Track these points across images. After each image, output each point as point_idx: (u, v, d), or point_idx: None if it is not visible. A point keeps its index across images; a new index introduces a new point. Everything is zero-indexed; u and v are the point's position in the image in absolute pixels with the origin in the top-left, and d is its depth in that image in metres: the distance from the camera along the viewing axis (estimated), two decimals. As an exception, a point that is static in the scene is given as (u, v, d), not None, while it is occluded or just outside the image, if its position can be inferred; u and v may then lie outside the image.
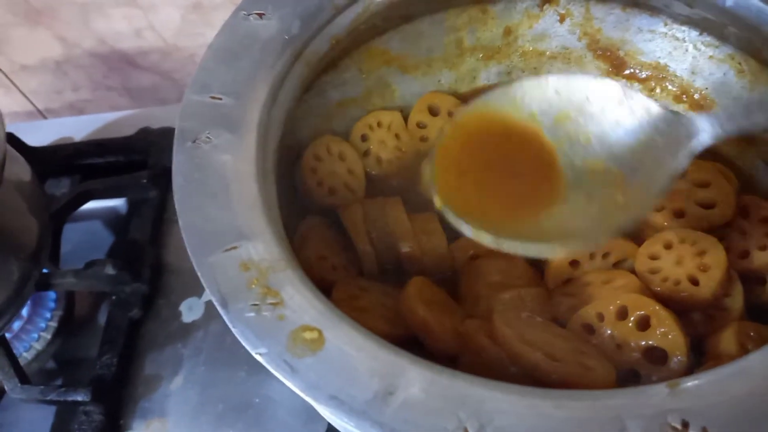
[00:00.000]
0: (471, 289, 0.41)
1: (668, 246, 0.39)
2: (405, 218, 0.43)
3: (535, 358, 0.31)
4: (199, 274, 0.29)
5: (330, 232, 0.44)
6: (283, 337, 0.27)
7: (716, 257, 0.37)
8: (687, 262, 0.37)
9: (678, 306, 0.37)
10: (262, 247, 0.31)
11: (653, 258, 0.39)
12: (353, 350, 0.27)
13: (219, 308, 0.28)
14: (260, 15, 0.40)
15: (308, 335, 0.28)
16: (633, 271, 0.39)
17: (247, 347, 0.27)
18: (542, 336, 0.33)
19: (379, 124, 0.50)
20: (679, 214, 0.40)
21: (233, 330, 0.27)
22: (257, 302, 0.28)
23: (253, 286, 0.29)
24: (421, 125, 0.51)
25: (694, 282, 0.37)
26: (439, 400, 0.26)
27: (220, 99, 0.36)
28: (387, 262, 0.44)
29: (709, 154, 0.44)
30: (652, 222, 0.40)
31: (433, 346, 0.37)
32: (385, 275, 0.43)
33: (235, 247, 0.30)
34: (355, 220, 0.44)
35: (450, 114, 0.51)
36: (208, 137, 0.34)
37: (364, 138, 0.49)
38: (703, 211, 0.40)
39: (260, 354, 0.27)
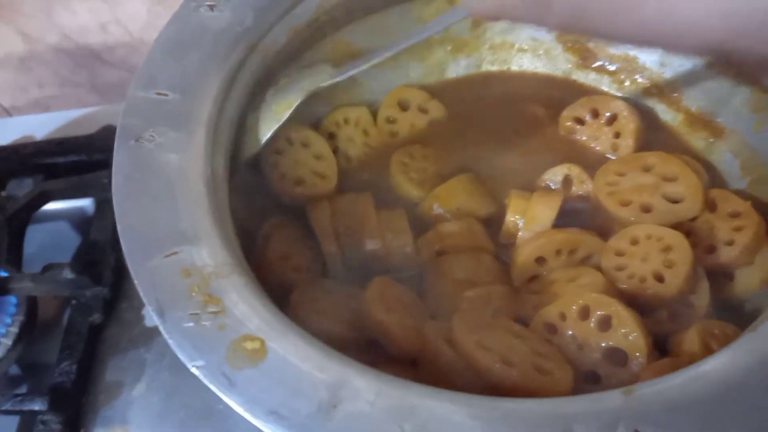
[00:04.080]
0: (436, 286, 0.40)
1: (635, 242, 0.38)
2: (373, 215, 0.42)
3: (489, 364, 0.30)
4: (135, 281, 0.28)
5: (294, 231, 0.43)
6: (222, 348, 0.26)
7: (682, 254, 0.36)
8: (652, 258, 0.36)
9: (644, 303, 0.36)
10: (206, 252, 0.29)
11: (619, 254, 0.38)
12: (298, 360, 0.26)
13: (155, 318, 0.27)
14: (211, 6, 0.39)
15: (250, 345, 0.26)
16: (600, 268, 0.38)
17: (184, 360, 0.26)
18: (501, 339, 0.32)
19: (346, 121, 0.48)
20: (646, 209, 0.39)
21: (169, 342, 0.26)
22: (197, 311, 0.27)
23: (194, 293, 0.28)
24: (390, 120, 0.49)
25: (660, 279, 0.36)
26: (384, 412, 0.24)
27: (166, 95, 0.35)
28: (353, 260, 0.42)
29: (678, 148, 0.44)
30: (618, 217, 0.39)
31: (393, 349, 0.35)
32: (351, 274, 0.42)
33: (176, 252, 0.29)
34: (322, 217, 0.42)
35: (420, 108, 0.50)
36: (152, 135, 0.33)
37: (331, 136, 0.48)
38: (670, 205, 0.39)
39: (197, 367, 0.25)
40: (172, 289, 0.28)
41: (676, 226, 0.38)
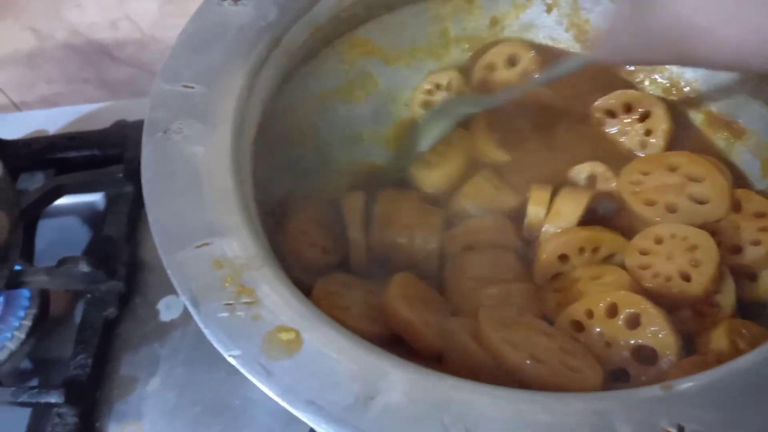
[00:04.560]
0: (458, 283, 0.40)
1: (659, 241, 0.38)
2: (410, 209, 0.42)
3: (519, 360, 0.30)
4: (168, 271, 0.28)
5: (321, 214, 0.43)
6: (258, 339, 0.26)
7: (708, 252, 0.36)
8: (678, 257, 0.36)
9: (669, 302, 0.36)
10: (237, 244, 0.29)
11: (644, 253, 0.38)
12: (332, 352, 0.26)
13: (190, 308, 0.27)
14: (235, 1, 0.39)
15: (285, 336, 0.26)
16: (623, 267, 0.38)
17: (220, 349, 0.26)
18: (528, 335, 0.32)
19: (438, 87, 0.49)
20: (671, 209, 0.39)
21: (205, 331, 0.26)
22: (231, 301, 0.27)
23: (227, 284, 0.28)
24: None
25: (686, 278, 0.36)
26: (422, 405, 0.24)
27: (192, 88, 0.35)
28: (376, 252, 0.42)
29: (701, 148, 0.44)
30: (643, 216, 0.39)
31: (417, 345, 0.35)
32: (372, 267, 0.42)
33: (207, 244, 0.29)
34: (356, 205, 0.42)
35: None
36: (180, 128, 0.33)
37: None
38: (696, 206, 0.39)
39: (234, 356, 0.25)
40: (204, 280, 0.28)
41: (701, 226, 0.38)
